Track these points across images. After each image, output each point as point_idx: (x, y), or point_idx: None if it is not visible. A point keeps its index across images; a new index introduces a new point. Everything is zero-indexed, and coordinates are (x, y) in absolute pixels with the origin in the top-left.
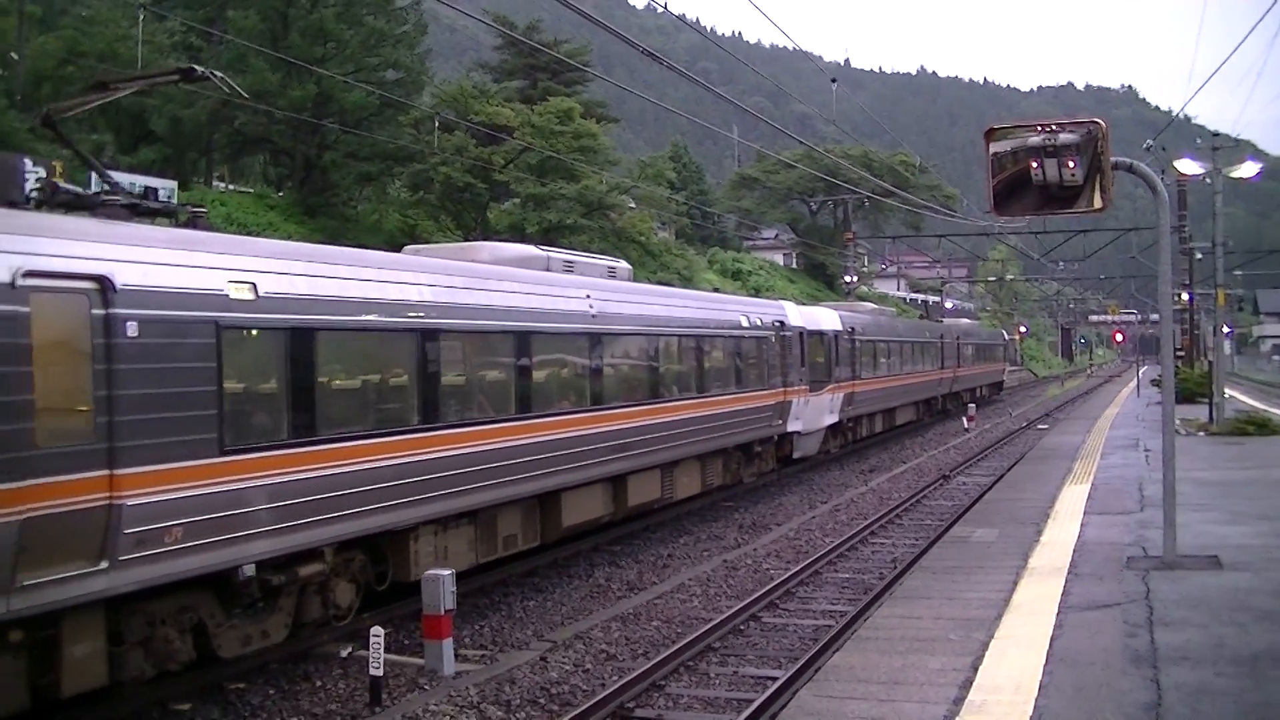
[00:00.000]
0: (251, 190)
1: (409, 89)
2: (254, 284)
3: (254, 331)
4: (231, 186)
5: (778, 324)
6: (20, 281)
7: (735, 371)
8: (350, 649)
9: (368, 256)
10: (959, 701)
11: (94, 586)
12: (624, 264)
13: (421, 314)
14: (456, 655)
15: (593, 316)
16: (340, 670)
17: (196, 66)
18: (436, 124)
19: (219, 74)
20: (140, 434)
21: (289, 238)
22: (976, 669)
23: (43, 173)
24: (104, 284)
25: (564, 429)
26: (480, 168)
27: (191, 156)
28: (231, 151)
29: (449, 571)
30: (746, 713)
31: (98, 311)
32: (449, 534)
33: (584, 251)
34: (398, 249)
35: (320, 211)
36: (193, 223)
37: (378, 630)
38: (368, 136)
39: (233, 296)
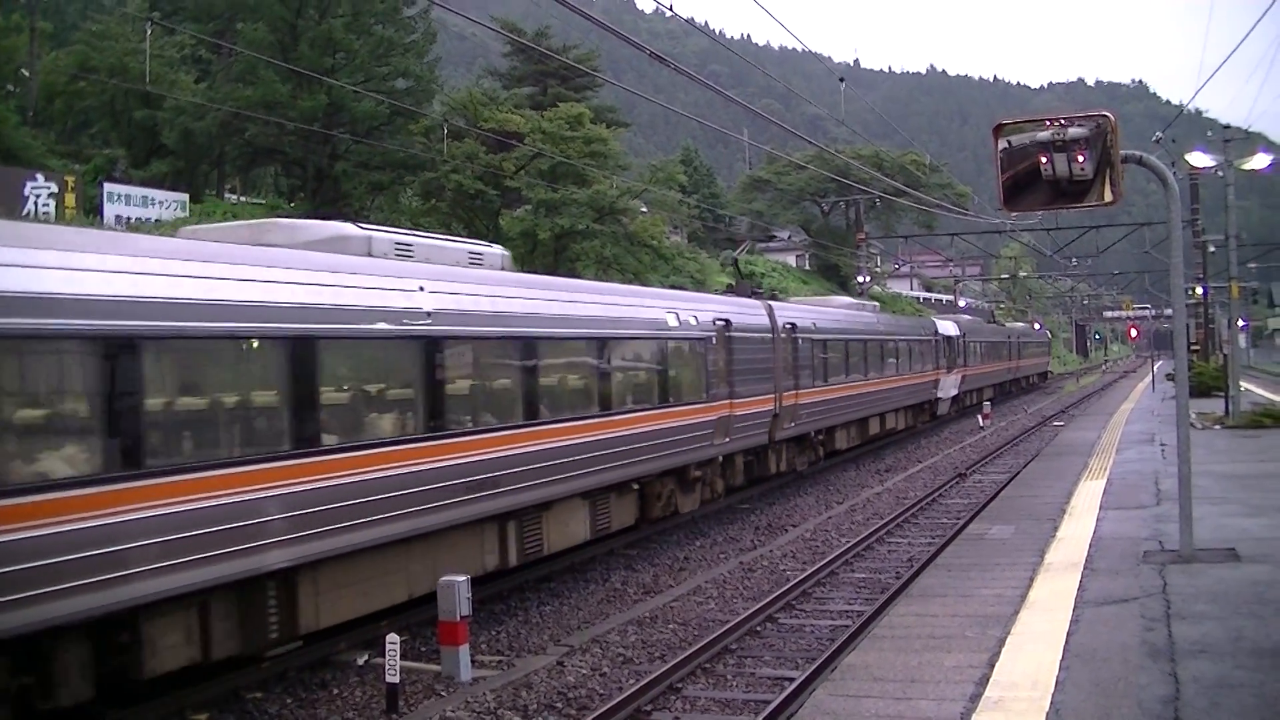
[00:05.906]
0: (263, 201)
1: (419, 97)
2: (795, 322)
3: (802, 339)
4: (243, 198)
5: (933, 329)
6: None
7: (913, 358)
8: (367, 656)
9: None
10: (976, 699)
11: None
12: (873, 303)
13: (820, 331)
14: (473, 661)
15: (872, 328)
16: (357, 678)
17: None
18: (446, 132)
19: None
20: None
21: None
22: (993, 666)
23: (54, 187)
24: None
25: (852, 390)
26: (491, 175)
27: (203, 169)
28: (243, 163)
29: (464, 578)
30: (764, 714)
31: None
32: (836, 435)
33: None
34: None
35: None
36: (774, 295)
37: (393, 637)
38: (379, 145)
39: (797, 326)
